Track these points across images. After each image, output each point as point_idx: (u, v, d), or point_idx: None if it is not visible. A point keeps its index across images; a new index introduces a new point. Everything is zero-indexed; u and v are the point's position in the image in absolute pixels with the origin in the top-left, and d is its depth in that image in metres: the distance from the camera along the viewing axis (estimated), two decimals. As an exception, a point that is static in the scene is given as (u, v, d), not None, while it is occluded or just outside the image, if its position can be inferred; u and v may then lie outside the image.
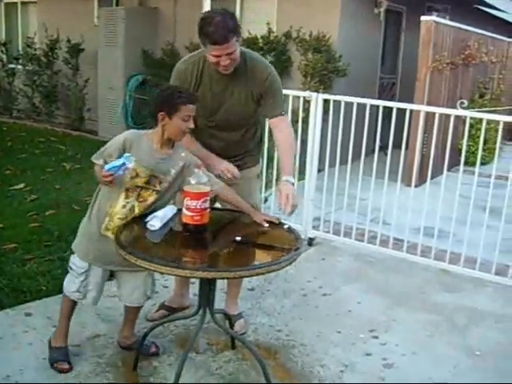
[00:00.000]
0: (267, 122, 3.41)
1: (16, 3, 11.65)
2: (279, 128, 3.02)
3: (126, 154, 2.58)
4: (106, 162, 2.62)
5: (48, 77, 10.46)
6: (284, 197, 2.74)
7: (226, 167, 2.98)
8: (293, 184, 2.84)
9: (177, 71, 3.02)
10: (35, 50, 10.64)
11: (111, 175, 2.54)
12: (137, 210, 2.72)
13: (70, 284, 2.88)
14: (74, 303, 2.94)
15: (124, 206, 2.71)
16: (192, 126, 2.70)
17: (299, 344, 3.27)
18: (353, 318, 3.63)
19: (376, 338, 3.40)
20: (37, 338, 3.12)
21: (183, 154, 2.80)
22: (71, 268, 2.89)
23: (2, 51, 11.27)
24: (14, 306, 3.47)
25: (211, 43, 2.71)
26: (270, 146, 4.26)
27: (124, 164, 2.53)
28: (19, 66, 11.09)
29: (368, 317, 3.65)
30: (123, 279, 2.92)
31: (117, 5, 9.82)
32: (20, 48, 11.57)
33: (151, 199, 2.73)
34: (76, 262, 2.86)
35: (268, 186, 5.08)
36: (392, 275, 4.36)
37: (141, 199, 2.72)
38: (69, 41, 9.94)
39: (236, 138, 3.09)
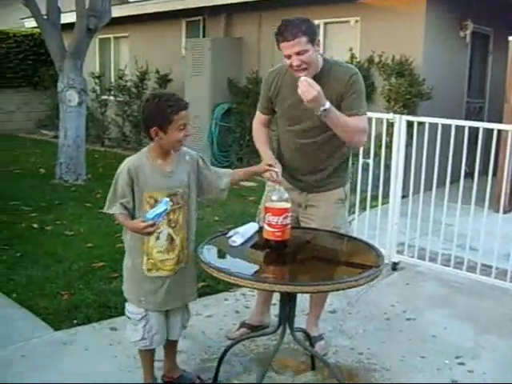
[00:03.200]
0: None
1: (109, 38, 12.26)
2: None
3: (166, 199, 2.44)
4: (123, 206, 2.52)
5: (138, 107, 10.88)
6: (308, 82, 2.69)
7: (269, 165, 2.85)
8: (323, 107, 2.72)
9: (264, 78, 3.26)
10: (126, 81, 11.13)
11: (154, 224, 2.40)
12: (175, 236, 2.61)
13: (133, 333, 2.72)
14: (148, 350, 2.79)
15: (158, 238, 2.57)
16: (189, 133, 2.59)
17: (381, 368, 3.19)
18: (438, 344, 3.50)
19: (462, 364, 3.27)
20: (122, 352, 3.20)
21: (188, 158, 2.69)
22: (129, 317, 2.73)
23: (96, 83, 11.85)
24: (100, 321, 3.60)
25: (281, 40, 2.82)
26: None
27: (166, 210, 2.43)
28: (111, 97, 11.62)
29: (454, 343, 3.51)
30: (169, 315, 2.79)
31: (203, 36, 10.14)
32: (112, 80, 12.15)
33: (181, 217, 2.63)
34: (131, 309, 2.72)
35: (351, 210, 5.03)
36: (480, 301, 4.19)
37: (173, 224, 2.60)
38: (157, 72, 10.35)
39: (314, 147, 3.08)
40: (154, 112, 2.51)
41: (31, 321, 3.61)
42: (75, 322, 3.57)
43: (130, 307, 2.72)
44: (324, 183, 3.16)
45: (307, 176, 3.17)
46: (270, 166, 2.80)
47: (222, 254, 2.66)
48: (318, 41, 2.92)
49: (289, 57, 2.85)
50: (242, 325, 3.52)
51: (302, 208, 3.20)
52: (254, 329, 3.50)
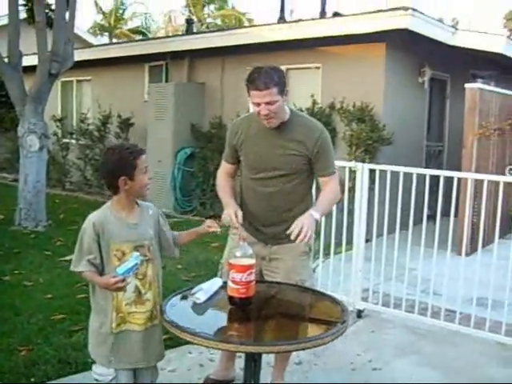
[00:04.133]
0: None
1: (71, 81, 12.21)
2: (325, 187, 3.10)
3: (135, 254, 2.46)
4: (91, 263, 2.48)
5: (100, 150, 10.77)
6: (299, 224, 2.74)
7: (229, 213, 2.94)
8: (315, 220, 2.84)
9: (230, 125, 3.33)
10: (88, 125, 11.06)
11: (124, 279, 2.40)
12: (142, 289, 2.57)
13: None
14: None
15: (125, 290, 2.52)
16: (149, 175, 2.62)
17: (349, 422, 3.16)
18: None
19: (429, 415, 3.26)
20: (82, 412, 3.10)
21: (151, 212, 2.72)
22: (97, 379, 2.61)
23: (58, 126, 11.75)
24: (59, 378, 3.47)
25: (252, 89, 2.87)
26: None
27: (136, 264, 2.43)
28: (73, 141, 11.53)
29: (420, 393, 3.51)
30: (138, 376, 2.68)
31: (166, 81, 10.18)
32: (74, 123, 12.06)
33: (150, 271, 2.60)
34: (99, 371, 2.60)
35: (315, 257, 5.03)
36: (445, 348, 4.19)
37: (140, 276, 2.56)
38: (120, 116, 10.32)
39: (278, 197, 3.09)
40: (118, 162, 2.52)
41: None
42: (33, 380, 3.43)
43: (98, 369, 2.61)
44: (286, 235, 3.13)
45: (270, 227, 3.16)
46: (209, 226, 2.79)
47: (185, 312, 2.60)
48: (287, 91, 2.97)
49: (258, 104, 2.90)
50: (207, 380, 3.44)
51: (266, 261, 3.17)
52: (219, 384, 3.43)
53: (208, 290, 2.64)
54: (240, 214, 2.95)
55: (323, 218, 4.90)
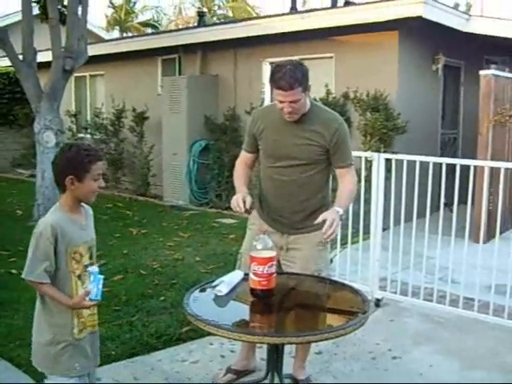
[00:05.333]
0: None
1: (85, 76, 12.28)
2: (343, 179, 3.14)
3: (92, 269, 2.38)
4: (46, 271, 2.36)
5: (115, 145, 10.87)
6: (329, 220, 2.78)
7: (237, 198, 3.01)
8: (340, 216, 2.89)
9: (251, 116, 3.38)
10: (103, 119, 11.13)
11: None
12: None
13: None
14: None
15: None
16: (103, 184, 2.50)
17: (370, 410, 3.19)
18: (425, 382, 3.50)
19: (450, 403, 3.28)
20: (106, 404, 3.15)
21: (91, 212, 2.64)
22: None
23: (72, 122, 11.83)
24: (84, 371, 3.53)
25: (276, 88, 2.91)
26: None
27: (103, 280, 2.38)
28: (88, 135, 11.60)
29: (440, 380, 3.52)
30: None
31: (179, 74, 10.21)
32: (88, 118, 12.13)
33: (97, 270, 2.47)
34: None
35: (332, 246, 5.05)
36: (464, 336, 4.21)
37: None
38: (134, 110, 10.36)
39: (294, 186, 3.13)
40: (72, 160, 2.42)
41: (13, 374, 3.53)
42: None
43: (58, 381, 2.46)
44: (304, 225, 3.17)
45: (287, 217, 3.20)
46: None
47: (208, 305, 2.64)
48: (310, 86, 3.01)
49: (281, 101, 2.95)
50: (228, 370, 3.48)
51: (284, 251, 3.20)
52: (240, 374, 3.47)
53: (230, 282, 2.67)
54: (248, 199, 3.00)
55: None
